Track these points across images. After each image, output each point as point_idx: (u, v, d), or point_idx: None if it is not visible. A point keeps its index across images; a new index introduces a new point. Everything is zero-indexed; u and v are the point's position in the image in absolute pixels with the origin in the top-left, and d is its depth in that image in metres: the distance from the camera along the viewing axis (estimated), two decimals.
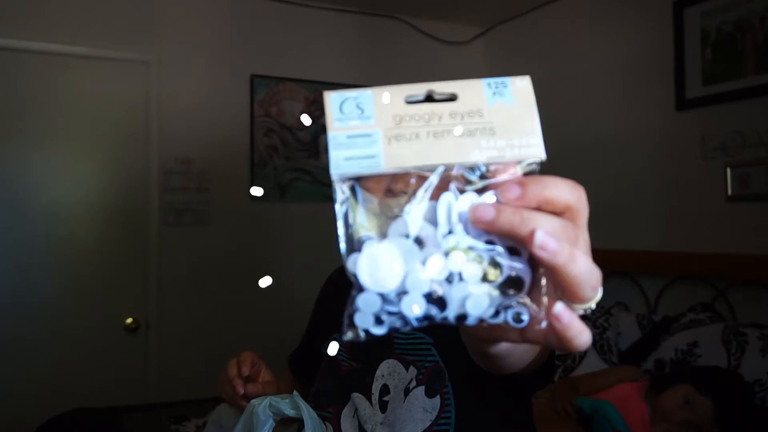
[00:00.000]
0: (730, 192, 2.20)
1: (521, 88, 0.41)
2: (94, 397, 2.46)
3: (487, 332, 0.42)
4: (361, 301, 0.37)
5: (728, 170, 2.20)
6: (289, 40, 3.01)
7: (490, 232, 0.37)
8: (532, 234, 0.35)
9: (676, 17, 2.39)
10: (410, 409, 0.87)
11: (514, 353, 0.54)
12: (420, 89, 0.41)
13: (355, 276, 0.38)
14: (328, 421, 0.94)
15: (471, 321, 0.38)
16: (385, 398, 0.90)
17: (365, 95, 0.40)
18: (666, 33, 2.43)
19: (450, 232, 0.37)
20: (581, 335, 0.36)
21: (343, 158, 0.39)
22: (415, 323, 0.38)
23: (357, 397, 0.92)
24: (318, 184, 3.07)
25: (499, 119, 0.40)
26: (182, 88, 2.80)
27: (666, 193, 2.46)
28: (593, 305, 0.38)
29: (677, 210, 2.41)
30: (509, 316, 0.38)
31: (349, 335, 0.38)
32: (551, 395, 2.02)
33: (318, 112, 3.07)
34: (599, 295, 0.38)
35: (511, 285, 0.38)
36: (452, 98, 0.41)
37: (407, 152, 0.39)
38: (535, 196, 0.36)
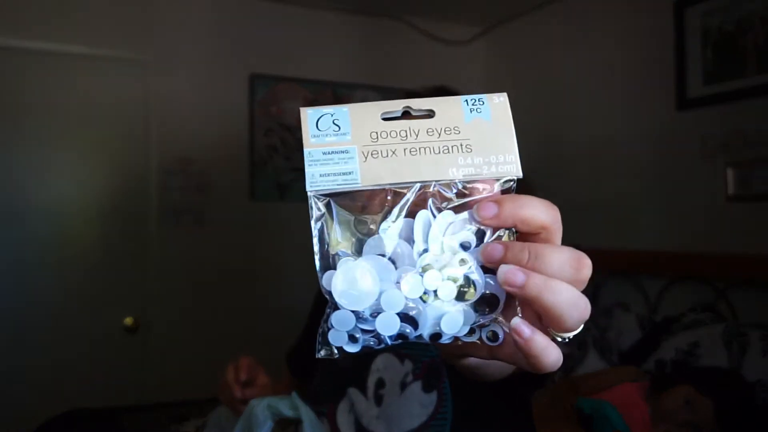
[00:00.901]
0: (730, 192, 2.19)
1: (499, 104, 0.41)
2: (94, 397, 2.45)
3: (458, 348, 0.42)
4: (335, 319, 0.37)
5: (729, 170, 2.19)
6: (289, 40, 3.00)
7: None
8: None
9: (676, 17, 2.38)
10: (407, 403, 0.87)
11: (490, 366, 0.54)
12: (397, 105, 0.40)
13: (329, 294, 0.37)
14: (324, 416, 0.94)
15: (445, 339, 0.38)
16: (381, 391, 0.90)
17: (342, 111, 0.40)
18: (666, 33, 2.42)
19: (425, 250, 0.37)
20: (547, 353, 0.36)
21: (319, 174, 0.38)
22: (389, 342, 0.38)
23: (353, 391, 0.92)
24: None
25: (477, 136, 0.40)
26: (181, 88, 2.79)
27: (666, 193, 2.45)
28: (571, 335, 0.38)
29: (678, 210, 2.41)
30: (484, 334, 0.38)
31: (322, 353, 0.38)
32: (551, 395, 2.01)
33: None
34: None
35: (485, 304, 0.38)
36: (430, 115, 0.40)
37: (383, 169, 0.38)
38: (511, 215, 0.36)
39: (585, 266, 0.38)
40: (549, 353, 0.36)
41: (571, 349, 2.23)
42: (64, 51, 2.60)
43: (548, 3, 3.00)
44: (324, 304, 1.03)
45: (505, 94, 0.41)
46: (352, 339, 0.38)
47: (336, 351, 0.38)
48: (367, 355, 0.93)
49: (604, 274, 2.61)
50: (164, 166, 2.76)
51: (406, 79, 3.10)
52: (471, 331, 0.38)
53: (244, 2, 2.94)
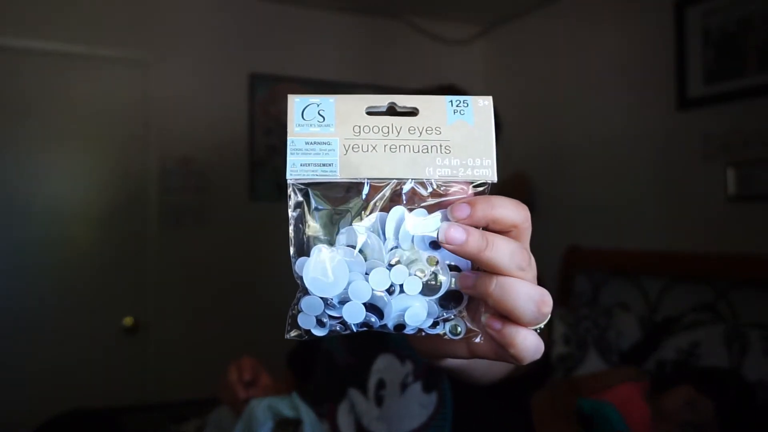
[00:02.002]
0: (731, 192, 2.19)
1: (482, 107, 0.41)
2: (93, 397, 2.45)
3: (434, 347, 0.44)
4: (305, 303, 0.40)
5: (730, 170, 2.19)
6: (289, 40, 3.00)
7: (456, 253, 0.38)
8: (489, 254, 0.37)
9: (677, 17, 2.38)
10: (407, 404, 0.87)
11: (475, 369, 0.55)
12: (382, 101, 0.41)
13: (300, 279, 0.40)
14: (324, 417, 0.94)
15: (409, 330, 0.39)
16: (381, 392, 0.90)
17: (328, 102, 0.41)
18: (667, 32, 2.42)
19: (396, 246, 0.38)
20: (522, 339, 0.38)
21: (300, 164, 0.40)
22: (354, 329, 0.39)
23: (353, 392, 0.92)
24: None
25: (457, 137, 0.40)
26: (181, 88, 2.79)
27: (667, 193, 2.45)
28: (541, 326, 0.39)
29: (678, 210, 2.41)
30: (447, 327, 0.39)
31: (292, 334, 0.41)
32: (551, 395, 2.01)
33: None
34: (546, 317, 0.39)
35: (451, 299, 0.39)
36: (414, 112, 0.41)
37: (362, 163, 0.39)
38: (484, 216, 0.38)
39: (528, 262, 0.39)
40: (525, 339, 0.38)
41: (571, 350, 2.23)
42: (64, 51, 2.60)
43: (548, 3, 3.00)
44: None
45: (490, 97, 0.42)
46: (320, 323, 0.40)
47: (304, 334, 0.40)
48: (368, 355, 0.93)
49: (604, 274, 2.61)
50: (164, 166, 2.76)
51: (406, 79, 3.10)
52: (434, 324, 0.40)
53: (244, 2, 2.94)
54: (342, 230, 0.40)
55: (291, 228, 0.41)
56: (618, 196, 2.64)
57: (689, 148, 2.35)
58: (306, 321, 0.41)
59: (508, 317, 0.38)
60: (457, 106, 0.41)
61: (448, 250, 0.38)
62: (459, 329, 0.40)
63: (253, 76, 2.93)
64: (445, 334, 0.40)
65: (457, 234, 0.37)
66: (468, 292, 0.39)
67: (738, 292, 2.16)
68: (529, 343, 0.38)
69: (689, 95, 2.34)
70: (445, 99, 0.41)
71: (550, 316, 0.39)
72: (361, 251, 0.39)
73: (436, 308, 0.39)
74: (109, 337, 2.67)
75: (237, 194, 2.91)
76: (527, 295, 0.37)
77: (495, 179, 0.40)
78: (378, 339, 0.94)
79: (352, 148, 0.40)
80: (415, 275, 0.38)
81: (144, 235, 2.74)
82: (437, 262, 0.39)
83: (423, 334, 0.40)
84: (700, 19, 2.31)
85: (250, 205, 2.93)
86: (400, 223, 0.39)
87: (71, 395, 2.44)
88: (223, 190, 2.87)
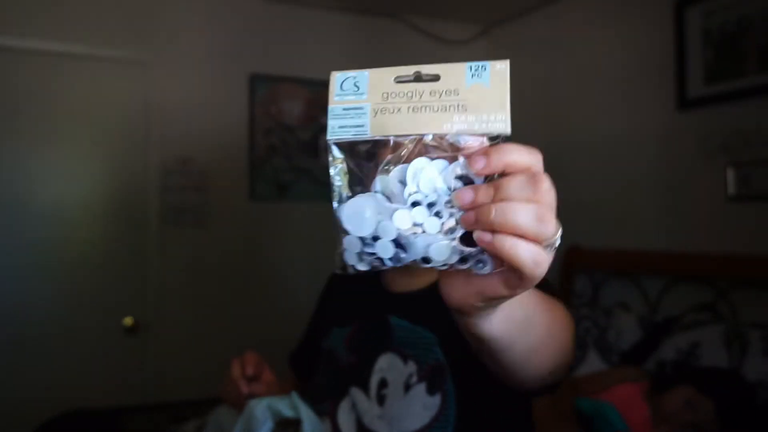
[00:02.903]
0: (731, 192, 2.19)
1: (499, 70, 0.46)
2: (94, 397, 2.45)
3: (466, 294, 0.48)
4: (346, 242, 0.46)
5: (730, 170, 2.19)
6: (289, 40, 3.00)
7: (468, 209, 0.43)
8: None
9: (677, 17, 2.38)
10: (410, 404, 0.87)
11: (515, 341, 0.57)
12: (409, 70, 0.48)
13: (340, 221, 0.46)
14: (325, 415, 0.94)
15: (435, 264, 0.45)
16: (383, 392, 0.90)
17: (363, 75, 0.48)
18: (667, 32, 2.42)
19: (417, 191, 0.44)
20: (512, 246, 0.41)
21: (338, 126, 0.48)
22: (388, 263, 0.46)
23: (355, 391, 0.93)
24: (318, 184, 3.07)
25: (473, 98, 0.45)
26: (181, 88, 2.79)
27: (667, 193, 2.45)
28: (554, 244, 0.43)
29: (678, 210, 2.41)
30: (473, 263, 0.45)
31: (338, 271, 0.48)
32: (551, 395, 2.01)
33: (317, 111, 3.07)
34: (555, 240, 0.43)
35: (469, 239, 0.44)
36: (436, 79, 0.47)
37: (389, 123, 0.46)
38: (499, 162, 0.42)
39: (535, 191, 0.42)
40: (515, 245, 0.41)
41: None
42: (64, 51, 2.60)
43: (548, 3, 3.00)
44: (323, 306, 1.05)
45: (507, 61, 0.45)
46: (360, 259, 0.46)
47: (351, 269, 0.47)
48: (370, 354, 0.93)
49: (604, 274, 2.61)
50: (164, 166, 2.76)
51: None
52: (463, 260, 0.45)
53: (244, 2, 2.94)
54: (374, 180, 0.46)
55: (332, 180, 0.48)
56: (618, 196, 2.64)
57: (689, 148, 2.35)
58: (350, 257, 0.47)
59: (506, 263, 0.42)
60: (475, 70, 0.46)
61: (465, 210, 0.43)
62: (485, 263, 0.44)
63: (253, 76, 2.93)
64: (470, 269, 0.45)
65: (466, 195, 0.43)
66: (472, 227, 0.43)
67: (738, 292, 2.16)
68: (521, 250, 0.41)
69: (689, 95, 2.34)
70: (465, 65, 0.46)
71: (555, 237, 0.43)
72: (388, 197, 0.45)
73: (458, 247, 0.44)
74: (109, 337, 2.67)
75: (237, 194, 2.91)
76: (525, 211, 0.41)
77: (509, 132, 0.44)
78: (380, 338, 0.94)
79: (381, 111, 0.47)
80: (433, 216, 0.44)
81: (144, 235, 2.74)
82: (453, 205, 0.44)
83: (449, 269, 0.45)
84: (700, 19, 2.31)
85: (250, 205, 2.93)
86: (420, 172, 0.44)
87: (71, 395, 2.44)
88: (223, 190, 2.87)
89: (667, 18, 2.42)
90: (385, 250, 0.45)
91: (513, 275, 0.43)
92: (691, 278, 2.29)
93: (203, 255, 2.83)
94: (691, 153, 2.34)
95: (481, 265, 0.45)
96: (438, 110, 0.45)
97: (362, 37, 3.17)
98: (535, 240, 0.42)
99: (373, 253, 0.46)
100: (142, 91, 2.73)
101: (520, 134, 0.45)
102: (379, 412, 0.89)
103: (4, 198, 2.52)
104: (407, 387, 0.88)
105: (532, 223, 0.41)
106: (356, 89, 0.48)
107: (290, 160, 3.01)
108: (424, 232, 0.44)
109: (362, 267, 0.47)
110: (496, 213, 0.41)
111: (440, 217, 0.44)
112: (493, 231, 0.42)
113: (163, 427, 2.08)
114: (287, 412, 0.87)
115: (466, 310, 0.50)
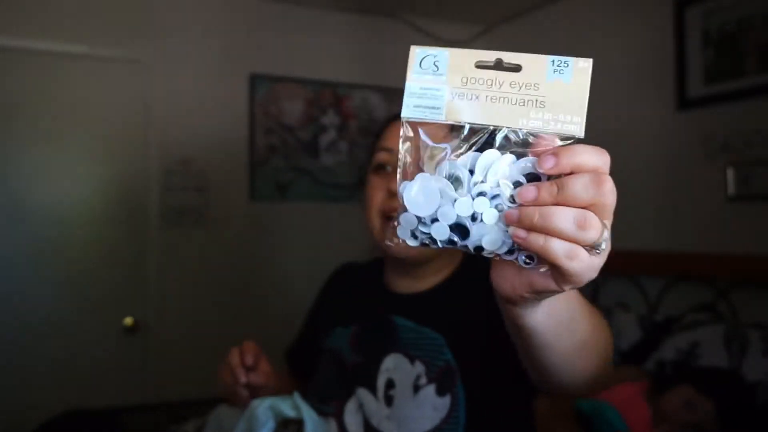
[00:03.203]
0: (731, 192, 2.19)
1: (582, 69, 0.47)
2: (93, 397, 2.45)
3: (513, 280, 0.48)
4: (403, 218, 0.47)
5: (730, 170, 2.19)
6: (289, 40, 3.00)
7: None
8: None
9: (677, 17, 2.38)
10: (420, 406, 0.87)
11: (558, 339, 0.58)
12: (491, 56, 0.47)
13: (402, 198, 0.46)
14: (330, 416, 0.94)
15: (486, 253, 0.46)
16: (390, 392, 0.90)
17: (443, 54, 0.48)
18: (667, 32, 2.42)
19: (483, 181, 0.45)
20: (546, 242, 0.41)
21: (413, 105, 0.47)
22: (440, 245, 0.46)
23: (361, 391, 0.92)
24: (318, 184, 3.07)
25: (552, 95, 0.45)
26: (181, 88, 2.79)
27: (667, 193, 2.45)
28: (601, 247, 0.43)
29: (678, 210, 2.41)
30: (521, 256, 0.45)
31: (389, 243, 0.49)
32: (551, 396, 2.01)
33: (317, 111, 3.06)
34: (603, 239, 0.43)
35: None
36: (517, 69, 0.46)
37: (465, 110, 0.46)
38: (568, 163, 0.42)
39: (598, 191, 0.43)
40: (549, 242, 0.41)
41: None
42: (63, 51, 2.60)
43: (548, 3, 3.00)
44: (323, 305, 1.05)
45: (590, 60, 0.47)
46: (413, 236, 0.47)
47: (401, 242, 0.48)
48: (376, 355, 0.93)
49: (604, 274, 2.61)
50: (164, 166, 2.75)
51: (405, 79, 3.09)
52: (510, 252, 0.45)
53: (245, 2, 2.94)
54: (442, 163, 0.46)
55: (400, 156, 0.48)
56: (618, 195, 2.63)
57: (689, 148, 2.35)
58: (403, 232, 0.47)
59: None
60: (557, 65, 0.47)
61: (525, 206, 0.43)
62: (532, 259, 0.45)
63: (253, 76, 2.93)
64: (517, 259, 0.45)
65: (529, 193, 0.42)
66: (513, 224, 0.43)
67: (738, 292, 2.16)
68: (553, 245, 0.41)
69: (689, 95, 2.34)
70: (547, 58, 0.46)
71: (598, 241, 0.42)
72: (453, 183, 0.45)
73: (511, 239, 0.44)
74: (109, 337, 2.67)
75: (237, 194, 2.91)
76: (566, 217, 0.41)
77: (582, 135, 0.45)
78: (385, 338, 0.94)
79: (458, 95, 0.46)
80: (494, 208, 0.44)
81: (144, 235, 2.74)
82: (514, 199, 0.44)
83: (497, 258, 0.46)
84: (700, 19, 2.31)
85: (250, 205, 2.93)
86: (489, 162, 0.45)
87: (71, 395, 2.44)
88: (223, 190, 2.87)
89: (666, 18, 2.42)
90: (440, 232, 0.46)
91: (556, 271, 0.44)
92: (691, 278, 2.29)
93: (203, 255, 2.83)
94: (691, 153, 2.34)
95: (527, 259, 0.45)
96: (516, 103, 0.45)
97: (362, 37, 3.17)
98: (574, 243, 0.42)
99: (428, 233, 0.46)
100: (141, 91, 2.73)
101: None
102: (388, 413, 0.89)
103: (3, 198, 2.52)
104: (416, 388, 0.88)
105: (570, 229, 0.41)
106: (435, 69, 0.47)
107: (290, 160, 3.01)
108: (481, 221, 0.44)
109: (413, 243, 0.47)
110: (539, 217, 0.41)
111: (500, 211, 0.44)
112: (532, 230, 0.42)
113: (163, 427, 2.08)
114: (289, 413, 0.87)
115: (514, 300, 0.50)
